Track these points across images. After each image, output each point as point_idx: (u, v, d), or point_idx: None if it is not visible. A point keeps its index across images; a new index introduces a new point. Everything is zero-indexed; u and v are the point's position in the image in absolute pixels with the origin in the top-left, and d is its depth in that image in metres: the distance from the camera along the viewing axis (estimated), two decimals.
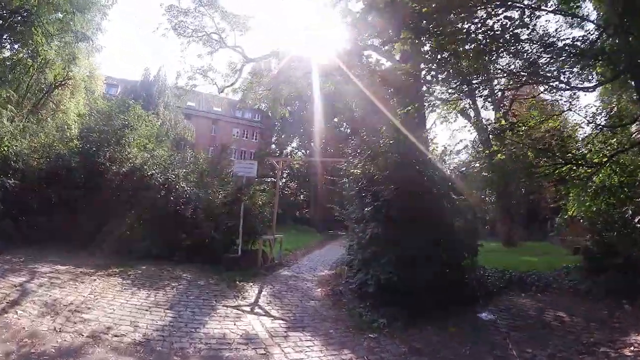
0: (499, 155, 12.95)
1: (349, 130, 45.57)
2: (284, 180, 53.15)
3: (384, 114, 11.82)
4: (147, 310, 8.16)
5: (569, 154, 12.29)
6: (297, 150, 54.21)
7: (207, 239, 13.57)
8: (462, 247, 10.64)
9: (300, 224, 47.36)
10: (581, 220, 14.20)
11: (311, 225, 44.85)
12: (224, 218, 13.71)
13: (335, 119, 43.34)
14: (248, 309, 9.15)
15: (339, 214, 13.10)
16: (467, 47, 9.25)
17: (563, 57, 9.35)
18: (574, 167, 12.12)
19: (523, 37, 9.34)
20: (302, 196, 55.08)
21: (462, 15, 8.96)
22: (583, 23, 11.88)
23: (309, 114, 45.02)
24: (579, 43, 9.81)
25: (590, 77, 11.02)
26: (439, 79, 10.31)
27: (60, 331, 6.60)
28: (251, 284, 11.45)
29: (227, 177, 16.04)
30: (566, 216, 15.85)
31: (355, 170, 10.79)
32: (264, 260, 14.24)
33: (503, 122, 13.55)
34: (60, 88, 24.79)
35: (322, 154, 45.93)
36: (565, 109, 12.76)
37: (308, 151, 50.14)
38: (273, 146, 54.10)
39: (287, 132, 48.89)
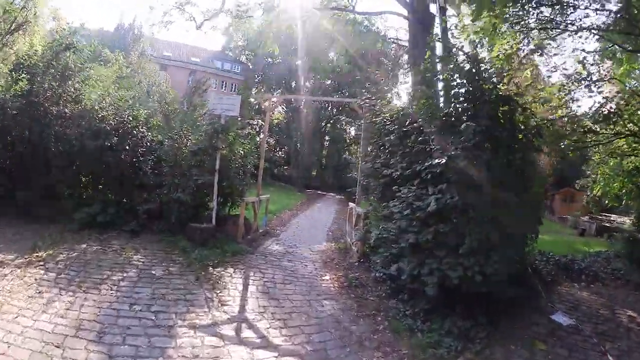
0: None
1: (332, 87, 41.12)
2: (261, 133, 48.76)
3: None
4: (58, 346, 4.26)
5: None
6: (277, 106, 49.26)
7: (170, 202, 9.51)
8: (527, 225, 7.01)
9: (278, 182, 43.92)
10: (607, 202, 12.96)
11: (291, 184, 41.04)
12: (195, 173, 9.58)
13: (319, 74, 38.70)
14: (230, 330, 5.21)
15: (367, 170, 9.11)
16: None
17: None
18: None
19: None
20: (280, 152, 50.88)
21: None
22: None
23: (291, 65, 40.24)
24: None
25: None
26: None
27: None
28: (231, 270, 7.54)
29: (201, 119, 11.66)
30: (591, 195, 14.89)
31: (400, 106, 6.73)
32: (247, 230, 10.26)
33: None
34: (18, 32, 20.57)
35: (301, 111, 41.66)
36: None
37: (289, 108, 45.35)
38: (253, 100, 49.08)
39: (269, 84, 43.69)
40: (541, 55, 9.48)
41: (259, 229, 11.26)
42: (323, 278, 7.93)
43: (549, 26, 8.80)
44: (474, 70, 6.26)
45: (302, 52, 38.46)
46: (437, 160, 5.30)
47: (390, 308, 6.43)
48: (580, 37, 8.89)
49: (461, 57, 6.64)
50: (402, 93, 53.70)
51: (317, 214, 19.29)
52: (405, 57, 37.13)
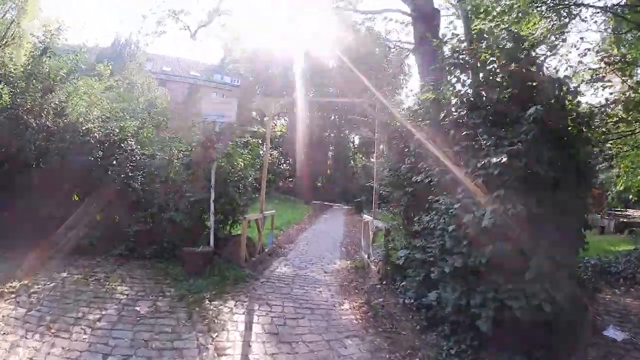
0: None
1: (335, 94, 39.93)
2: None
3: None
4: None
5: None
6: (278, 116, 48.07)
7: (162, 222, 8.29)
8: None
9: (284, 195, 42.61)
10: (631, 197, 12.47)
11: (296, 196, 39.78)
12: (188, 189, 8.35)
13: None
14: None
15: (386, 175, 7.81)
16: None
17: None
18: None
19: None
20: (284, 164, 49.68)
21: None
22: None
23: (290, 76, 39.21)
24: None
25: None
26: None
27: None
28: (231, 303, 6.21)
29: (194, 129, 10.40)
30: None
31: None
32: (250, 251, 8.95)
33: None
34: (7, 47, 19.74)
35: (304, 121, 40.55)
36: None
37: (291, 119, 44.22)
38: (254, 113, 47.93)
39: (270, 96, 42.48)
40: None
41: (264, 248, 9.96)
42: (342, 307, 6.58)
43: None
44: (516, 49, 5.03)
45: (303, 63, 37.50)
46: (494, 159, 3.99)
47: (429, 345, 5.10)
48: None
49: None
50: (404, 98, 52.81)
51: (326, 227, 17.98)
52: (407, 62, 36.33)
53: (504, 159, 3.90)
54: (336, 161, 47.20)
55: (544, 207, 4.05)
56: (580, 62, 8.57)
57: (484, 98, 4.92)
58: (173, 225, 8.25)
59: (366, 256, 9.95)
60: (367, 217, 10.45)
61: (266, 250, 10.12)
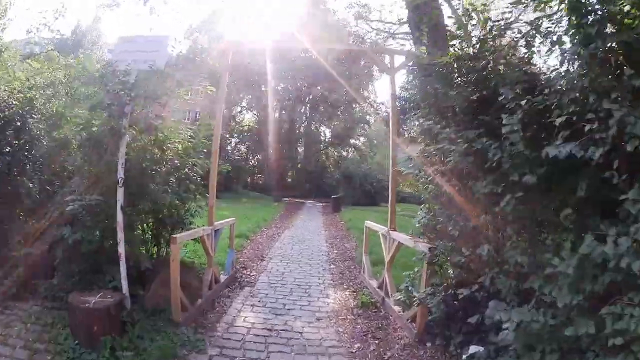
0: None
1: (305, 86, 36.22)
2: (234, 140, 43.05)
3: None
4: None
5: None
6: (246, 110, 43.64)
7: (57, 244, 4.61)
8: None
9: (252, 192, 38.69)
10: None
11: (266, 193, 36.02)
12: (75, 186, 4.63)
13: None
14: None
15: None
16: None
17: None
18: None
19: None
20: (253, 160, 45.79)
21: None
22: None
23: (260, 66, 35.28)
24: None
25: None
26: None
27: None
28: None
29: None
30: None
31: None
32: (193, 292, 5.16)
33: None
34: None
35: (275, 113, 36.91)
36: None
37: (260, 112, 39.90)
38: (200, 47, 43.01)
39: (237, 87, 38.03)
40: None
41: (218, 278, 6.22)
42: None
43: None
44: None
45: (272, 52, 33.65)
46: None
47: None
48: None
49: None
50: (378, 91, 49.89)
51: (303, 232, 14.18)
52: (387, 58, 32.81)
53: None
54: (306, 155, 43.55)
55: None
56: None
57: None
58: (68, 248, 4.54)
59: (374, 284, 6.45)
60: (379, 227, 6.84)
61: (223, 279, 6.41)
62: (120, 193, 4.37)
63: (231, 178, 36.06)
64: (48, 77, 6.81)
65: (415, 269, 4.94)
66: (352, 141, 41.98)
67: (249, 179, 44.44)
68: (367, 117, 40.36)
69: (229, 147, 44.87)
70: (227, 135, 42.79)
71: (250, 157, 46.33)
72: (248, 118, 44.00)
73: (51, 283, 4.76)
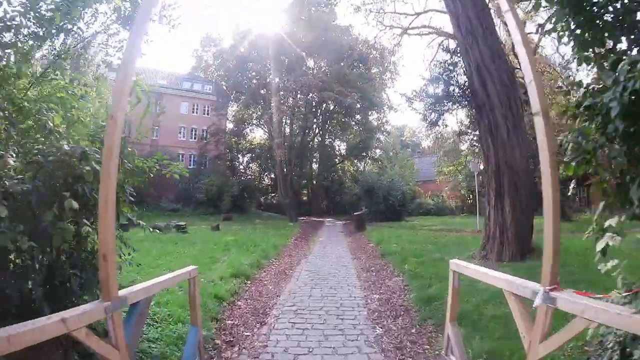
0: None
1: (315, 100, 32.93)
2: (245, 158, 40.02)
3: None
4: None
5: None
6: (255, 126, 40.15)
7: None
8: None
9: (267, 212, 35.39)
10: None
11: (282, 212, 32.58)
12: None
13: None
14: None
15: None
16: None
17: None
18: None
19: None
20: (267, 179, 42.72)
21: None
22: None
23: (266, 79, 32.34)
24: None
25: None
26: None
27: None
28: None
29: None
30: None
31: None
32: None
33: None
34: None
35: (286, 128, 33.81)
36: None
37: (270, 128, 36.49)
38: (230, 125, 40.19)
39: (246, 101, 34.84)
40: None
41: None
42: None
43: None
44: None
45: (279, 64, 30.77)
46: None
47: None
48: None
49: None
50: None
51: (324, 263, 10.23)
52: (392, 59, 29.83)
53: None
54: (321, 171, 40.17)
55: None
56: None
57: None
58: None
59: None
60: (482, 273, 3.05)
61: None
62: None
63: (244, 198, 32.99)
64: None
65: None
66: (368, 153, 38.45)
67: (262, 199, 41.28)
68: (383, 125, 37.27)
69: (241, 167, 41.96)
70: (237, 153, 39.94)
71: (264, 176, 43.34)
72: (259, 135, 40.83)
73: None
